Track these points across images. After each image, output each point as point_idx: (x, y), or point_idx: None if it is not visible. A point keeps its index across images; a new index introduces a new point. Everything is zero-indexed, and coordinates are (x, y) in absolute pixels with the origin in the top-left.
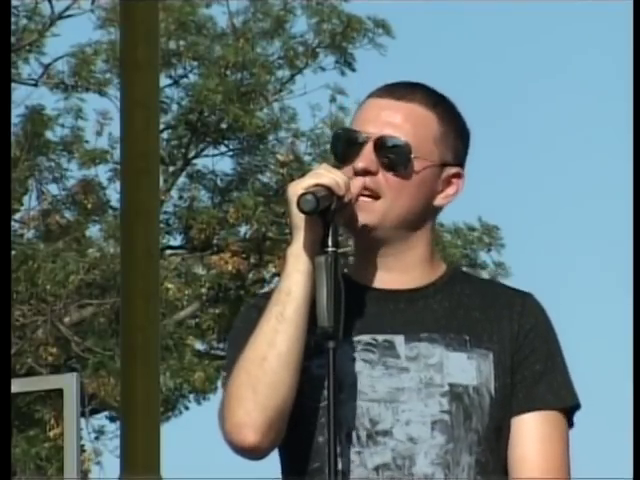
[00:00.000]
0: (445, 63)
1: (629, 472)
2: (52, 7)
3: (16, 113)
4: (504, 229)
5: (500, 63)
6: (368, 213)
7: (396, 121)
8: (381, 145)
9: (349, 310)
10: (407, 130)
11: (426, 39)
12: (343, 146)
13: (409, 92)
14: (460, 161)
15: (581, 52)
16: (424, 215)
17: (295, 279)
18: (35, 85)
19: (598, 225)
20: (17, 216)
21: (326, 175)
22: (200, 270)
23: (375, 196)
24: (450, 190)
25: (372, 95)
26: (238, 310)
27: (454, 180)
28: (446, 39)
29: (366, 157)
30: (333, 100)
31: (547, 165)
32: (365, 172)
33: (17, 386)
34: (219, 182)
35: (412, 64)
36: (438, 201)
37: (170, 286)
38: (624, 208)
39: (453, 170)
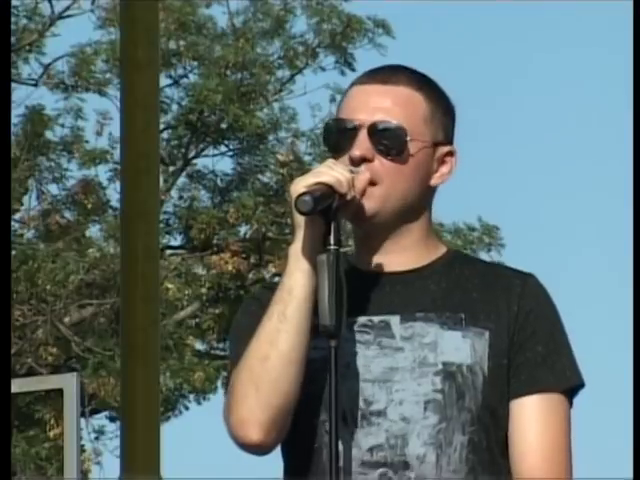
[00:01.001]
0: (445, 63)
1: (629, 472)
2: (52, 7)
3: (16, 113)
4: (504, 229)
5: (501, 63)
6: (369, 201)
7: (386, 105)
8: (375, 131)
9: (348, 295)
10: (398, 113)
11: (426, 39)
12: (336, 136)
13: (393, 75)
14: (450, 139)
15: (582, 52)
16: (422, 197)
17: (296, 278)
18: (35, 85)
19: (598, 225)
20: (17, 216)
21: (328, 173)
22: (200, 270)
23: (372, 183)
24: (444, 169)
25: (356, 83)
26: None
27: (447, 159)
28: (446, 39)
29: (361, 144)
30: (333, 100)
31: (547, 165)
32: (362, 160)
33: (17, 386)
34: (219, 182)
35: (412, 64)
36: (434, 181)
37: (170, 286)
38: (625, 208)
39: (445, 149)
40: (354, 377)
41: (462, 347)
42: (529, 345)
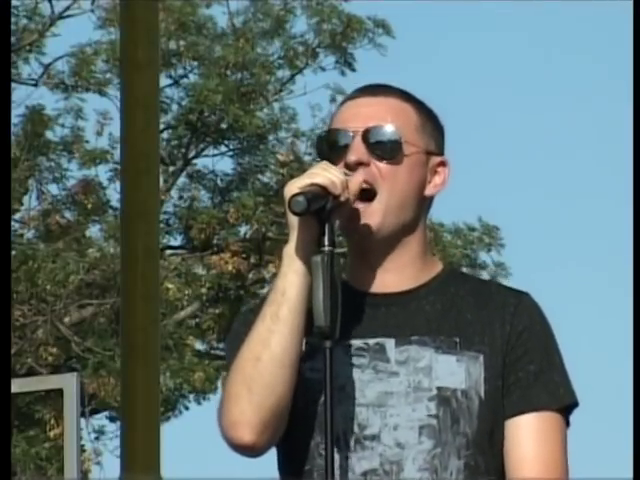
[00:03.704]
0: (445, 63)
1: (629, 472)
2: (52, 7)
3: (16, 113)
4: (504, 229)
5: (501, 63)
6: (368, 218)
7: (378, 113)
8: (369, 136)
9: (343, 315)
10: (390, 120)
11: (426, 39)
12: (330, 146)
13: (383, 89)
14: (441, 151)
15: (582, 52)
16: (417, 207)
17: (290, 279)
18: (35, 85)
19: (598, 225)
20: (17, 216)
21: (322, 174)
22: (200, 270)
23: (371, 193)
24: (438, 179)
25: (346, 99)
26: (238, 310)
27: (440, 169)
28: (446, 39)
29: (356, 150)
30: (333, 100)
31: (547, 165)
32: (357, 164)
33: (17, 386)
34: (219, 182)
35: (412, 64)
36: (428, 191)
37: (170, 286)
38: (624, 208)
39: (438, 159)
40: (348, 401)
41: (457, 372)
42: (521, 364)
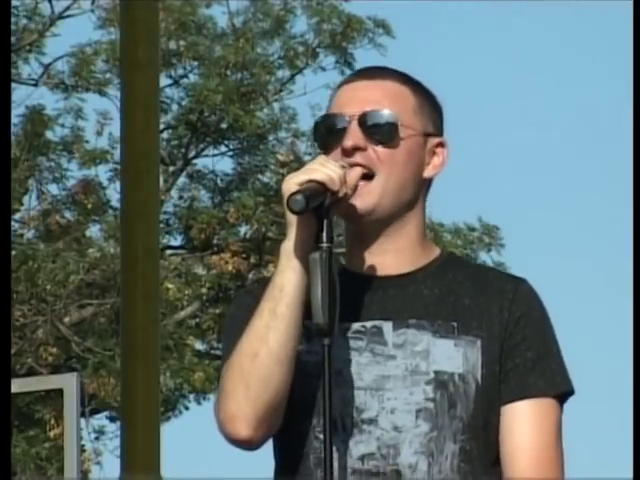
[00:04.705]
0: (445, 63)
1: (629, 472)
2: (52, 7)
3: (16, 113)
4: (504, 229)
5: (501, 63)
6: (365, 196)
7: (374, 97)
8: (366, 120)
9: (341, 299)
10: (387, 104)
11: (426, 39)
12: (327, 132)
13: (379, 72)
14: (440, 132)
15: (582, 51)
16: (416, 189)
17: (287, 276)
18: (35, 85)
19: (598, 225)
20: (17, 216)
21: (320, 170)
22: (200, 270)
23: (370, 175)
24: (436, 160)
25: (343, 83)
26: None
27: (438, 150)
28: (446, 39)
29: (353, 135)
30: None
31: (547, 165)
32: (354, 149)
33: (17, 386)
34: (219, 182)
35: (412, 64)
36: (427, 172)
37: (170, 286)
38: (624, 208)
39: (436, 140)
40: (346, 384)
41: (454, 356)
42: (519, 351)
